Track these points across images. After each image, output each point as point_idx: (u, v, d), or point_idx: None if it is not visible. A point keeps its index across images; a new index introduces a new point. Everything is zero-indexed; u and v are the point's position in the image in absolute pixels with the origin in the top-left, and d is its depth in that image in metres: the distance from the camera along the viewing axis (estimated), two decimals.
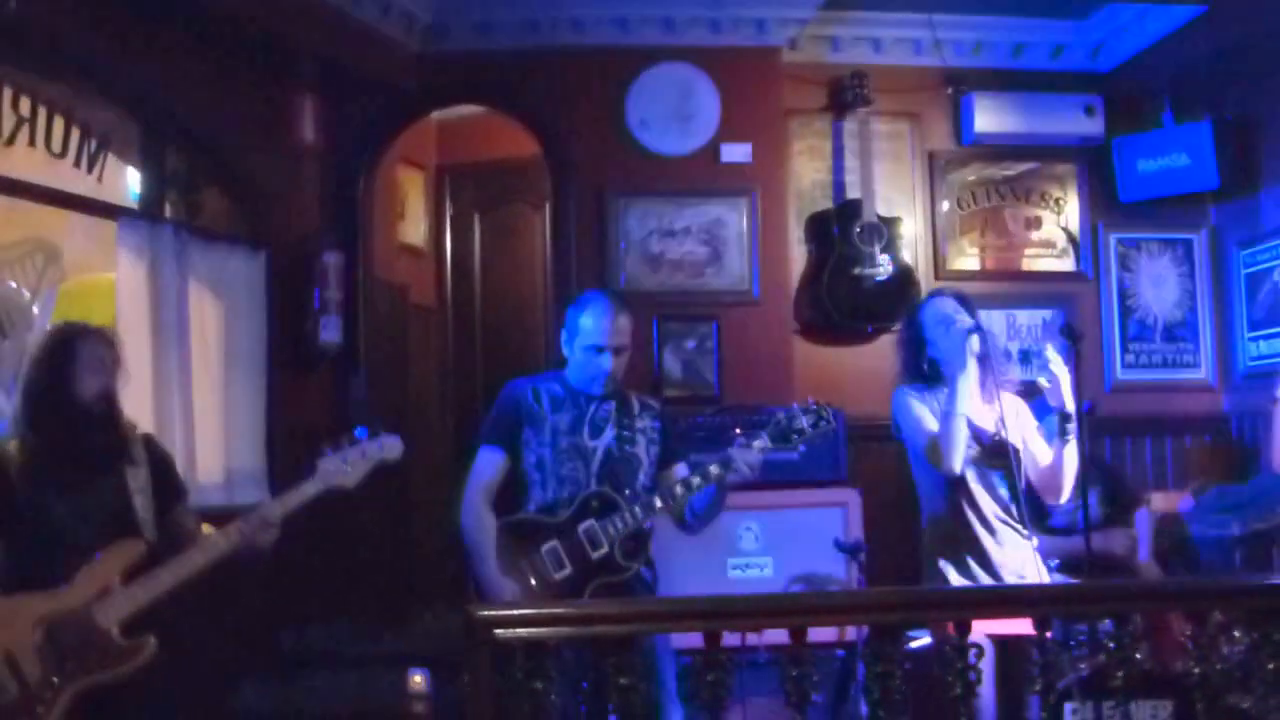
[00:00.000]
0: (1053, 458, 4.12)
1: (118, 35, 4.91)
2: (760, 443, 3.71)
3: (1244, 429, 6.36)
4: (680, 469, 3.89)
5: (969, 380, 4.01)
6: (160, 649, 3.38)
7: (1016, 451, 4.05)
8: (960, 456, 3.99)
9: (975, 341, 4.00)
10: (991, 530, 4.04)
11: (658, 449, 3.92)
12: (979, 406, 4.12)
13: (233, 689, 5.09)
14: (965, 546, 4.02)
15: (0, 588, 3.39)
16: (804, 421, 3.76)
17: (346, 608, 5.67)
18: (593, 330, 3.81)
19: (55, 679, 3.31)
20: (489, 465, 3.84)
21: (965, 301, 4.19)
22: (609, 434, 3.85)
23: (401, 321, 6.86)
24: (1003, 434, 4.10)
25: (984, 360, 4.07)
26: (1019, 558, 4.08)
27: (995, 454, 4.09)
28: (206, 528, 3.62)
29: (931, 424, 4.05)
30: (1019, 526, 4.09)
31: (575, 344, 3.87)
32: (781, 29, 6.23)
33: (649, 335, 5.99)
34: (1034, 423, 4.28)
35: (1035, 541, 4.14)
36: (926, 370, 4.18)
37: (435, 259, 7.42)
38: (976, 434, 4.09)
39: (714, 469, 3.69)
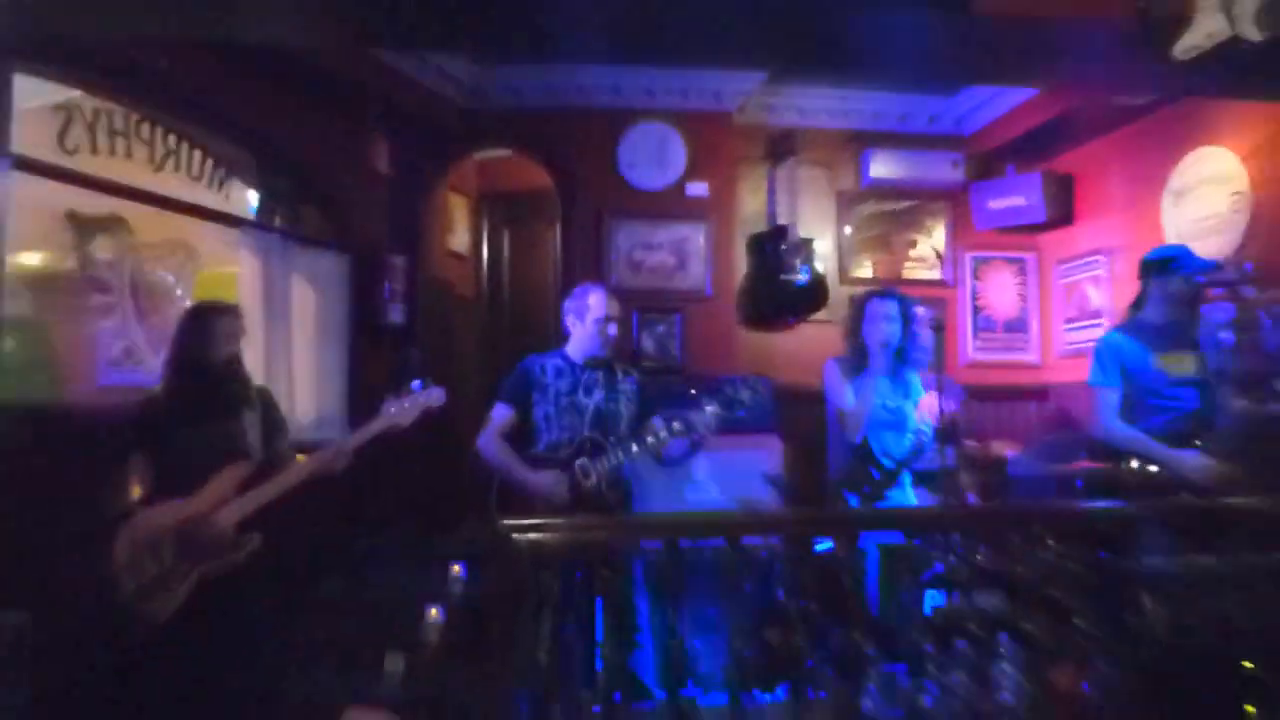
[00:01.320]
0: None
1: (242, 88, 4.89)
2: (712, 408, 3.72)
3: (1060, 397, 6.40)
4: (655, 421, 3.88)
5: (884, 377, 3.99)
6: (262, 544, 3.42)
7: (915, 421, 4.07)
8: (863, 429, 3.97)
9: (893, 351, 4.00)
10: (888, 476, 4.02)
11: (635, 406, 3.91)
12: (889, 388, 4.08)
13: (318, 579, 5.08)
14: (863, 488, 4.01)
15: (146, 498, 3.40)
16: (744, 394, 3.76)
17: (406, 519, 5.65)
18: (597, 306, 3.83)
19: (184, 565, 3.33)
20: (501, 417, 3.87)
21: (904, 304, 4.13)
22: (598, 395, 3.84)
23: (448, 308, 6.81)
24: (904, 408, 4.09)
25: (901, 352, 4.05)
26: (903, 497, 4.07)
27: (896, 422, 4.08)
28: (300, 457, 3.60)
29: (849, 400, 4.02)
30: (906, 475, 4.08)
31: (586, 319, 3.85)
32: (733, 98, 6.20)
33: (630, 322, 5.97)
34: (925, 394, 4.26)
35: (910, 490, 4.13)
36: (856, 351, 4.14)
37: (474, 263, 7.35)
38: (885, 408, 4.06)
39: (676, 425, 3.71)
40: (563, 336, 4.06)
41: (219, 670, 3.34)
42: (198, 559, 3.35)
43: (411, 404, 3.65)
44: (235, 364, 3.60)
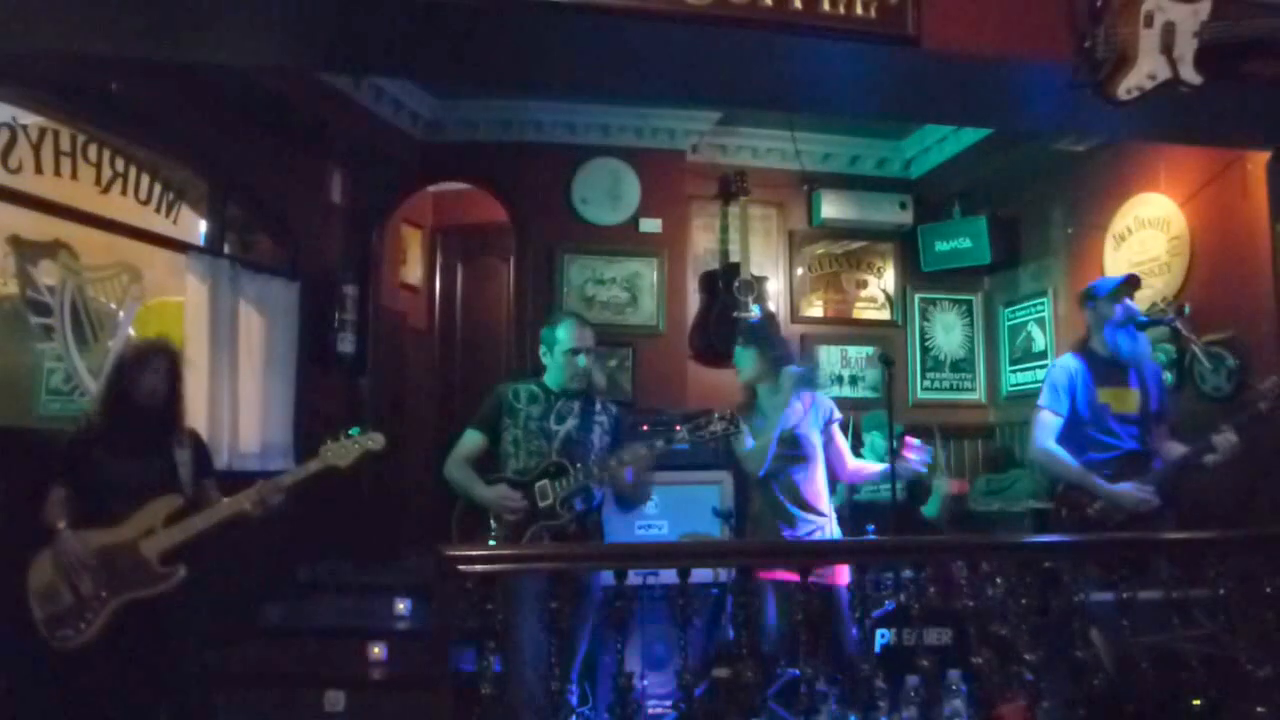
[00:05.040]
0: (866, 471, 4.13)
1: (195, 113, 4.79)
2: (681, 434, 3.65)
3: (1005, 436, 6.43)
4: (630, 447, 3.77)
5: (782, 411, 3.93)
6: (189, 575, 3.33)
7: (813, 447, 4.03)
8: (764, 466, 3.93)
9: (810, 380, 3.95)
10: (790, 514, 3.96)
11: (609, 438, 3.81)
12: (789, 411, 4.02)
13: (260, 608, 4.91)
14: (775, 524, 3.95)
15: (70, 524, 3.28)
16: (718, 426, 3.68)
17: (349, 548, 5.50)
18: (566, 338, 3.75)
19: (103, 593, 3.24)
20: (469, 441, 3.76)
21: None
22: (571, 422, 3.75)
23: (400, 340, 6.70)
24: (802, 431, 4.04)
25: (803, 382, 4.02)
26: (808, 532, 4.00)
27: (794, 452, 4.01)
28: (225, 500, 3.51)
29: (748, 440, 3.96)
30: (814, 510, 4.02)
31: (555, 351, 3.78)
32: (686, 138, 6.23)
33: None
34: (836, 419, 4.20)
35: (827, 519, 4.06)
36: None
37: (428, 295, 7.25)
38: (782, 436, 4.00)
39: (626, 456, 3.62)
40: (530, 368, 3.98)
41: (135, 701, 3.21)
42: (118, 588, 3.24)
43: (349, 448, 3.59)
44: (170, 404, 3.51)
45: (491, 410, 3.79)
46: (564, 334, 3.76)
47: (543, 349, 3.84)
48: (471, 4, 2.86)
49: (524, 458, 3.69)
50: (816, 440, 4.08)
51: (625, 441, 3.76)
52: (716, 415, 3.67)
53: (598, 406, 3.85)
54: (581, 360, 3.75)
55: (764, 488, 3.99)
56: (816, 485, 4.06)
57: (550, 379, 3.81)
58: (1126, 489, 3.69)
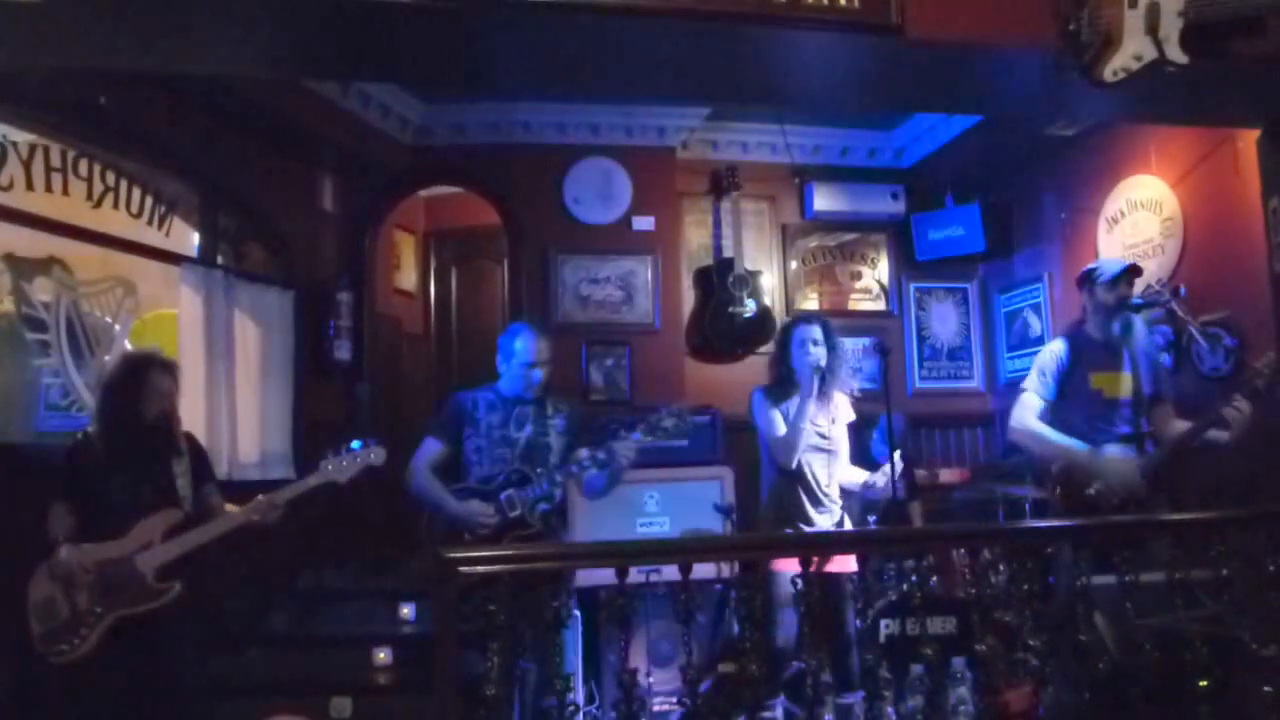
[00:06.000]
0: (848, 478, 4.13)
1: (185, 124, 4.80)
2: (635, 437, 3.69)
3: (1005, 423, 6.40)
4: (583, 452, 3.79)
5: (813, 400, 3.92)
6: (188, 589, 3.31)
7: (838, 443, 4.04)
8: (799, 456, 3.90)
9: (822, 375, 3.93)
10: (817, 503, 3.96)
11: (565, 439, 3.84)
12: (818, 411, 4.01)
13: (264, 616, 4.91)
14: (797, 515, 3.93)
15: (69, 539, 3.27)
16: (668, 423, 3.72)
17: (352, 555, 5.50)
18: (523, 352, 3.77)
19: (99, 608, 3.22)
20: (430, 449, 3.80)
21: (827, 328, 4.07)
22: (529, 428, 3.78)
23: (396, 345, 6.70)
24: (832, 431, 4.04)
25: (827, 374, 3.99)
26: (833, 523, 3.99)
27: (825, 446, 4.01)
28: (230, 506, 3.50)
29: (781, 428, 3.94)
30: (835, 500, 4.03)
31: (512, 362, 3.80)
32: (676, 134, 6.23)
33: (579, 355, 5.92)
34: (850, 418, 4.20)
35: (840, 513, 4.06)
36: (784, 378, 4.06)
37: (422, 299, 7.25)
38: (816, 432, 4.00)
39: (600, 455, 3.66)
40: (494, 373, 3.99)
41: (132, 716, 3.20)
42: (113, 603, 3.23)
43: (350, 463, 3.57)
44: (165, 418, 3.49)
45: (451, 418, 3.83)
46: (520, 346, 3.80)
47: (499, 357, 3.87)
48: (455, 6, 2.86)
49: (488, 465, 3.74)
50: (842, 435, 4.09)
51: (587, 443, 3.77)
52: (665, 412, 3.73)
53: (549, 410, 3.88)
54: (537, 374, 3.78)
55: (791, 477, 3.96)
56: (838, 478, 4.07)
57: (505, 386, 3.84)
58: (1111, 451, 3.70)
